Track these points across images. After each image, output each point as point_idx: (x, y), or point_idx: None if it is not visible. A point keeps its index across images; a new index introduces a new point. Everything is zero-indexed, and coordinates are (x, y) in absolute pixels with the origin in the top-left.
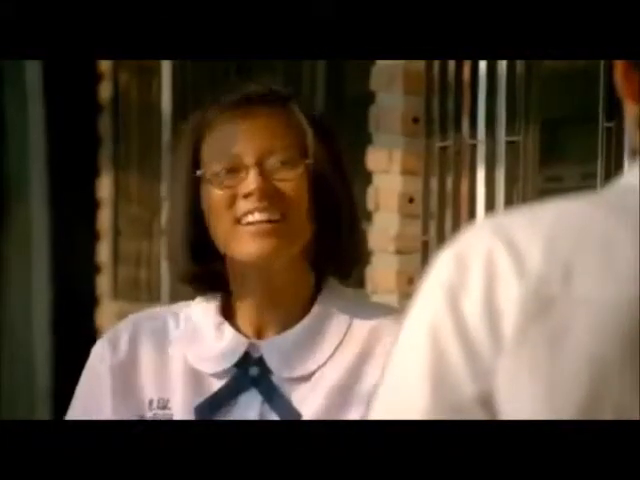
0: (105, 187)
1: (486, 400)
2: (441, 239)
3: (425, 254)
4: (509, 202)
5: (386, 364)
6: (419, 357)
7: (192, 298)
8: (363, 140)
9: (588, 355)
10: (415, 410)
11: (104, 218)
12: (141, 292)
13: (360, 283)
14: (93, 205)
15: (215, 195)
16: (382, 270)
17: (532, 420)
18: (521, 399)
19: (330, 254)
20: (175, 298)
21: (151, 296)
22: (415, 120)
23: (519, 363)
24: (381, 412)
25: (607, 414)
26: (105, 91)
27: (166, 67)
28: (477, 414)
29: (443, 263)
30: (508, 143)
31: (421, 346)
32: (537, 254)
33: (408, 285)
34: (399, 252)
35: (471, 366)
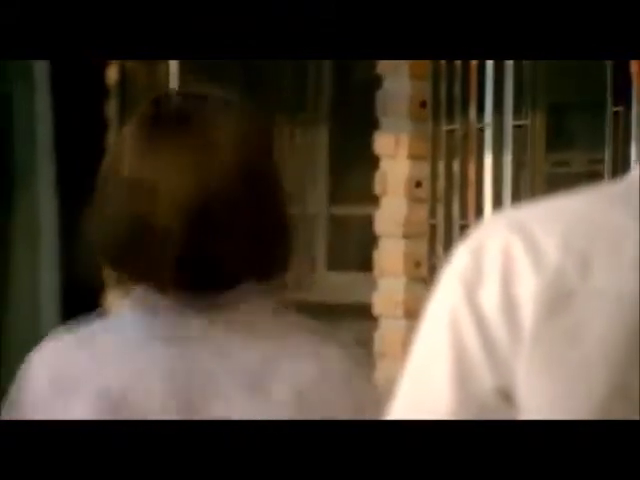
0: None
1: (507, 393)
2: (448, 223)
3: (432, 238)
4: (516, 186)
5: (406, 359)
6: (439, 352)
7: None
8: (370, 125)
9: (607, 349)
10: (438, 404)
11: None
12: None
13: (367, 267)
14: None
15: None
16: (389, 254)
17: (534, 420)
18: (540, 393)
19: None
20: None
21: None
22: (422, 104)
23: (538, 357)
24: (403, 406)
25: (627, 408)
26: (112, 75)
27: None
28: (499, 407)
29: (460, 258)
30: (515, 127)
31: (441, 341)
32: (554, 248)
33: (415, 268)
34: (406, 236)
35: (491, 360)
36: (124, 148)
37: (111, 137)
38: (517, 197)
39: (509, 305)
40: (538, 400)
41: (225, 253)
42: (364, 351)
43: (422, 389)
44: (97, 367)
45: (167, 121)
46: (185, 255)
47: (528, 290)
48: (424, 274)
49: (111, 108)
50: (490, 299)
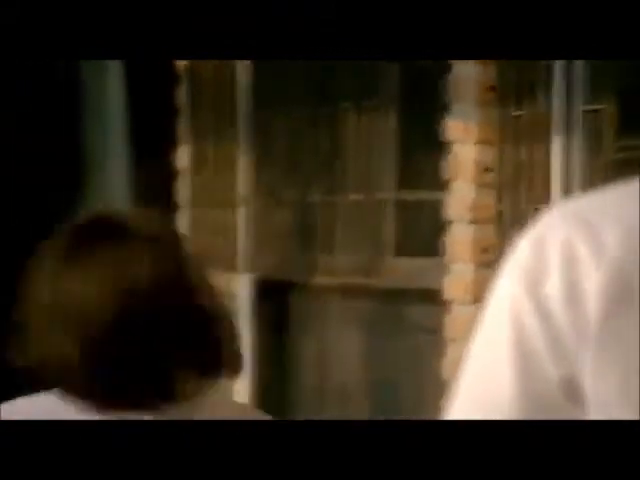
0: (183, 157)
1: (571, 386)
2: (516, 209)
3: (500, 223)
4: (585, 172)
5: (466, 353)
6: (501, 344)
7: (264, 267)
8: (439, 110)
9: None
10: (501, 396)
11: (183, 188)
12: (218, 261)
13: (436, 252)
14: (171, 175)
15: None
16: (458, 239)
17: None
18: (608, 387)
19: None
20: (251, 266)
21: (228, 265)
22: (491, 89)
23: (605, 348)
24: (465, 400)
25: None
26: (182, 62)
27: None
28: (563, 402)
29: (522, 249)
30: (585, 112)
31: (503, 334)
32: (615, 238)
33: (483, 254)
34: (474, 221)
35: (555, 351)
36: (46, 274)
37: (181, 124)
38: (586, 183)
39: (572, 297)
40: (606, 394)
41: (144, 369)
42: None
43: (484, 382)
44: None
45: (85, 248)
46: (103, 372)
47: (591, 281)
48: (492, 259)
49: (181, 94)
50: (553, 291)
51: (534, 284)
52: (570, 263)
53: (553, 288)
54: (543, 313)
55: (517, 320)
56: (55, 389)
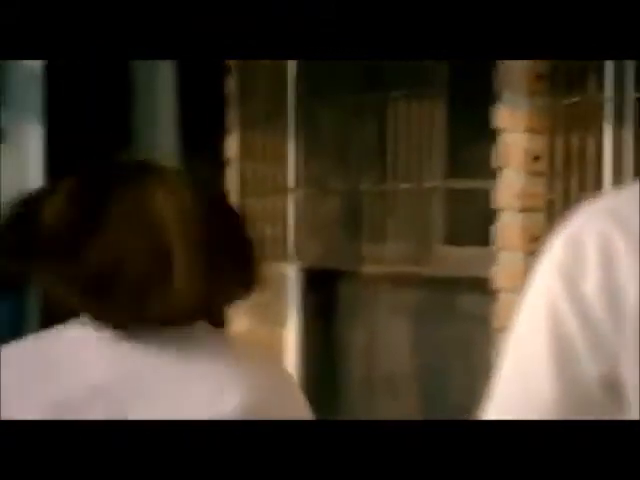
0: (233, 146)
1: (611, 382)
2: (566, 197)
3: (550, 212)
4: (638, 161)
5: (503, 352)
6: (540, 341)
7: (313, 255)
8: (488, 98)
9: None
10: (541, 394)
11: (232, 177)
12: (267, 249)
13: (485, 241)
14: (221, 164)
15: None
16: (507, 227)
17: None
18: None
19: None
20: (300, 255)
21: (276, 254)
22: (540, 77)
23: None
24: (504, 397)
25: None
26: None
27: None
28: (601, 397)
29: (558, 246)
30: (636, 99)
31: (541, 330)
32: None
33: (532, 243)
34: (524, 210)
35: (593, 347)
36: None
37: (230, 113)
38: (638, 172)
39: (610, 293)
40: None
41: (180, 293)
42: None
43: (523, 381)
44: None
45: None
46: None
47: (629, 278)
48: (541, 248)
49: (230, 83)
50: (591, 289)
51: (573, 284)
52: (608, 259)
53: (592, 287)
54: (582, 310)
55: (555, 317)
56: (82, 318)
